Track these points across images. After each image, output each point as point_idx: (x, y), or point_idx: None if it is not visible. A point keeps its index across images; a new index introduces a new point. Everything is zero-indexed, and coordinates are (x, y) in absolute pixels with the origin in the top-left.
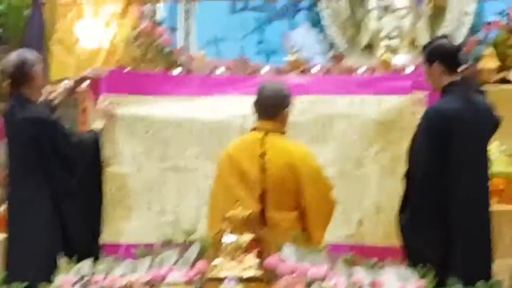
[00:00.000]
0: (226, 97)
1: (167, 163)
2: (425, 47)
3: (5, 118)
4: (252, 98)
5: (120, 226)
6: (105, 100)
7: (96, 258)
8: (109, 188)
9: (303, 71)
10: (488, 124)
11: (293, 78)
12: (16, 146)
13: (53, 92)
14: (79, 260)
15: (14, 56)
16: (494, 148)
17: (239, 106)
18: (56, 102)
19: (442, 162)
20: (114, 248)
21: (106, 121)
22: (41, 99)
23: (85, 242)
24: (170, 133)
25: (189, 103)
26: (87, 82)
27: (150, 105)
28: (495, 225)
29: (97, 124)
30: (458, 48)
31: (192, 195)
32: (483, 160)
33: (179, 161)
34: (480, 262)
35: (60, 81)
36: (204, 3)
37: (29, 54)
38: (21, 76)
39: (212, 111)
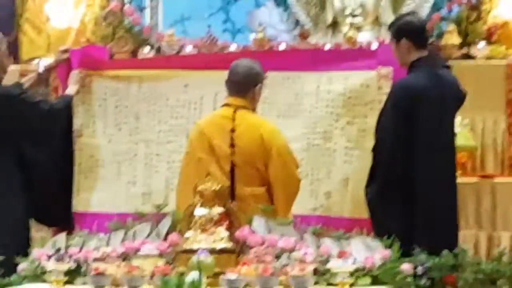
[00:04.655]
0: (198, 73)
1: (137, 136)
2: (392, 23)
3: None
4: (224, 74)
5: (90, 195)
6: (78, 72)
7: (69, 228)
8: (80, 158)
9: (269, 49)
10: (454, 98)
11: (262, 55)
12: None
13: (25, 77)
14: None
15: None
16: (457, 122)
17: (211, 82)
18: (26, 85)
19: (409, 136)
20: (84, 217)
21: (79, 88)
22: (10, 80)
23: (57, 212)
24: (142, 107)
25: (162, 78)
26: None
27: (123, 79)
28: (459, 197)
29: (70, 89)
30: (425, 24)
31: (163, 168)
32: (449, 134)
33: (151, 135)
34: (446, 234)
35: (31, 60)
36: None
37: None
38: None
39: (185, 87)
